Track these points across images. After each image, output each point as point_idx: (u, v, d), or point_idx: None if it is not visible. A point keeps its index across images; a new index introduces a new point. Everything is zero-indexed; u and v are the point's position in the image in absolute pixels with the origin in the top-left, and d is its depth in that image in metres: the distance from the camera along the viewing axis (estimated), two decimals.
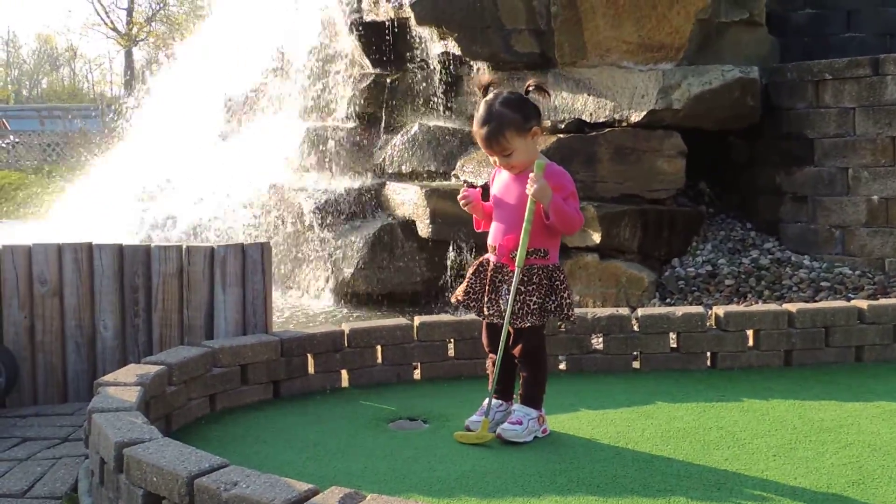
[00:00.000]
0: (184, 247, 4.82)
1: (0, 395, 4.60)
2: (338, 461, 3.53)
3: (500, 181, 3.83)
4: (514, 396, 3.86)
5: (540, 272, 3.67)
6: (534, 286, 3.66)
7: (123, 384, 3.67)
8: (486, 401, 3.80)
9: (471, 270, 3.86)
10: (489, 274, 3.77)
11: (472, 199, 3.83)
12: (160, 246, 4.89)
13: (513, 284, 3.64)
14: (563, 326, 3.72)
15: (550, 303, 3.69)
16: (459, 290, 3.88)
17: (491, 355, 3.84)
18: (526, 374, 3.76)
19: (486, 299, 3.77)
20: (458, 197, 3.86)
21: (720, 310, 4.83)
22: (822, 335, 4.82)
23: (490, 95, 3.72)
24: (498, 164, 3.77)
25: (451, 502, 3.09)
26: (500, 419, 3.80)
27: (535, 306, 3.65)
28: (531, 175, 3.60)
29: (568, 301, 3.71)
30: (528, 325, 3.66)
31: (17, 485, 3.64)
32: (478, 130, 3.70)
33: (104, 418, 3.24)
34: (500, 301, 3.71)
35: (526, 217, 3.62)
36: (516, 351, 3.73)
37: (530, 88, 3.73)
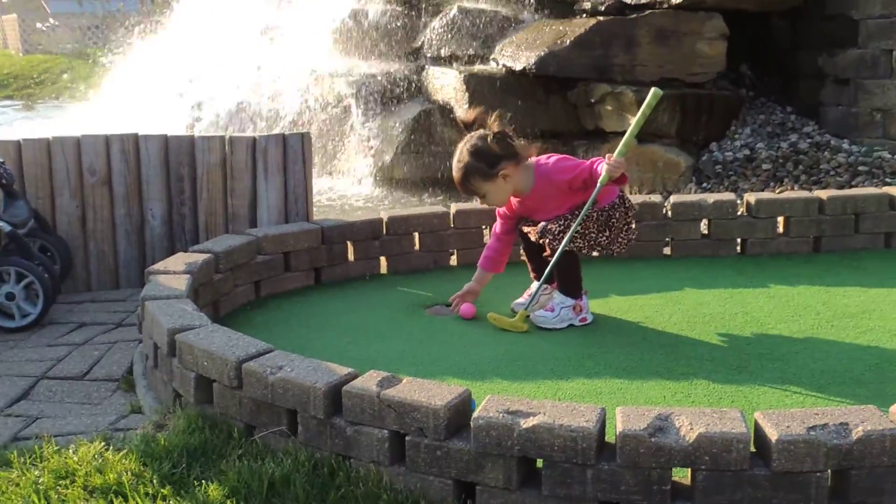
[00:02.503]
0: (226, 137, 4.95)
1: (55, 283, 4.80)
2: (377, 345, 3.71)
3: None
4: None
5: (596, 214, 3.76)
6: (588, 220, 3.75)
7: (173, 272, 3.84)
8: (532, 286, 3.98)
9: None
10: None
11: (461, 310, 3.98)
12: (203, 136, 5.02)
13: (583, 210, 3.71)
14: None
15: (603, 238, 3.81)
16: None
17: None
18: (559, 269, 3.86)
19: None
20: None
21: (751, 197, 4.88)
22: (852, 222, 4.86)
23: (465, 138, 3.81)
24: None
25: (483, 384, 3.25)
26: (545, 302, 3.95)
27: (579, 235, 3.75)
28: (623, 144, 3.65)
29: (612, 237, 3.82)
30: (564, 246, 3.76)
31: (76, 368, 3.87)
32: (453, 173, 3.83)
33: (156, 306, 3.42)
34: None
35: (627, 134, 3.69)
36: (546, 254, 3.85)
37: (494, 138, 3.75)
